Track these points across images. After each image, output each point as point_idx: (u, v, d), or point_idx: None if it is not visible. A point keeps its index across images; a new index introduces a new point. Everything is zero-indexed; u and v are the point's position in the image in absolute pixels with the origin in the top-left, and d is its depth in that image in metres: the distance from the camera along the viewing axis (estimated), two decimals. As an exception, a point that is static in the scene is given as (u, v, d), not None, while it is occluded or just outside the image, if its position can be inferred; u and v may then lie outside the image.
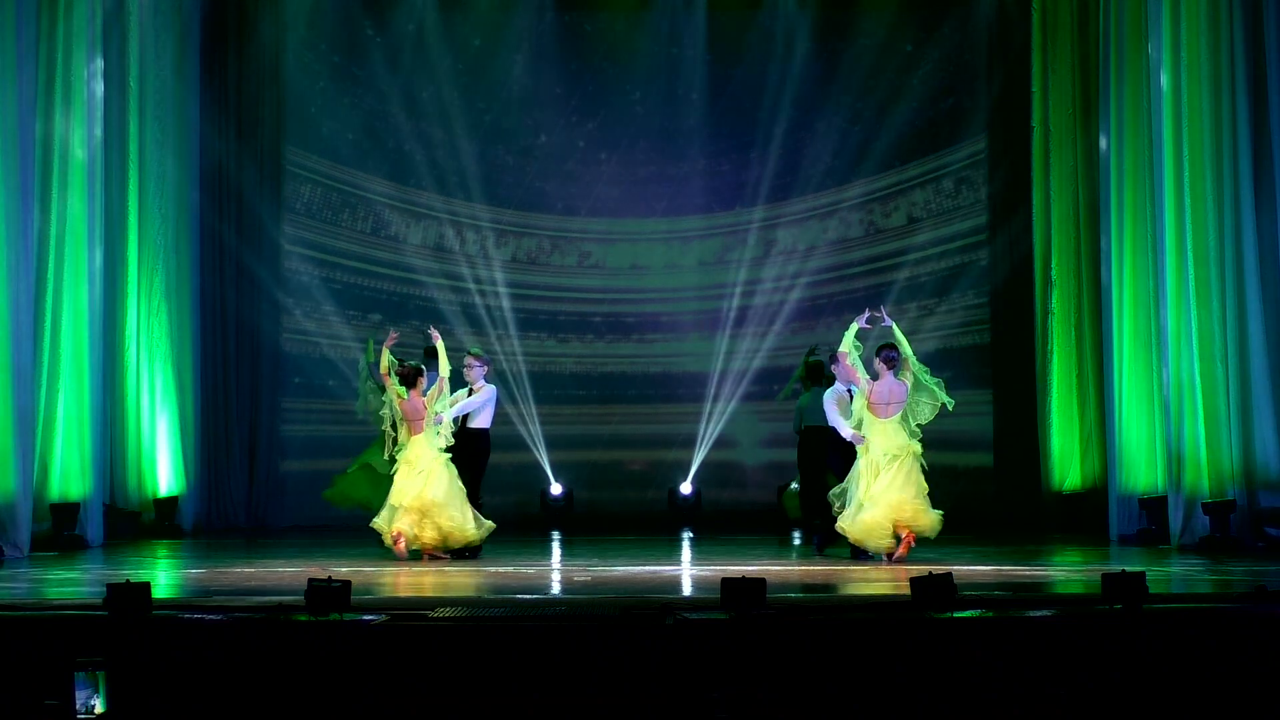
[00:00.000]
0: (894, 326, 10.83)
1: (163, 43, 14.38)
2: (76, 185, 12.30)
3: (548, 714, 6.59)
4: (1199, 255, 11.64)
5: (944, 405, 10.75)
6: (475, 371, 11.58)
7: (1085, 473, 14.30)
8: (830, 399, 11.25)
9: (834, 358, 11.33)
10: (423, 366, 11.31)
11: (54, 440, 12.17)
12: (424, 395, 11.12)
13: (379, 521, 11.15)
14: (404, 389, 11.15)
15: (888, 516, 10.56)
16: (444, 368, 11.14)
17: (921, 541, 10.69)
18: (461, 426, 11.43)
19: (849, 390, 11.07)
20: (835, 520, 10.83)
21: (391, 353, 11.27)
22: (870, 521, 10.56)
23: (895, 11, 16.09)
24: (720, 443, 15.91)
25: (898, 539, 10.60)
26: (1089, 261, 14.12)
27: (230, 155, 15.49)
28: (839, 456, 11.26)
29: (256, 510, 15.49)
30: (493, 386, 11.74)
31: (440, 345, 11.25)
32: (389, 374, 11.21)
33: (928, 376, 10.78)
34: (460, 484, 11.11)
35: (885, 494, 10.55)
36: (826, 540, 11.38)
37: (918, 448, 10.69)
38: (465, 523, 11.03)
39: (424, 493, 10.96)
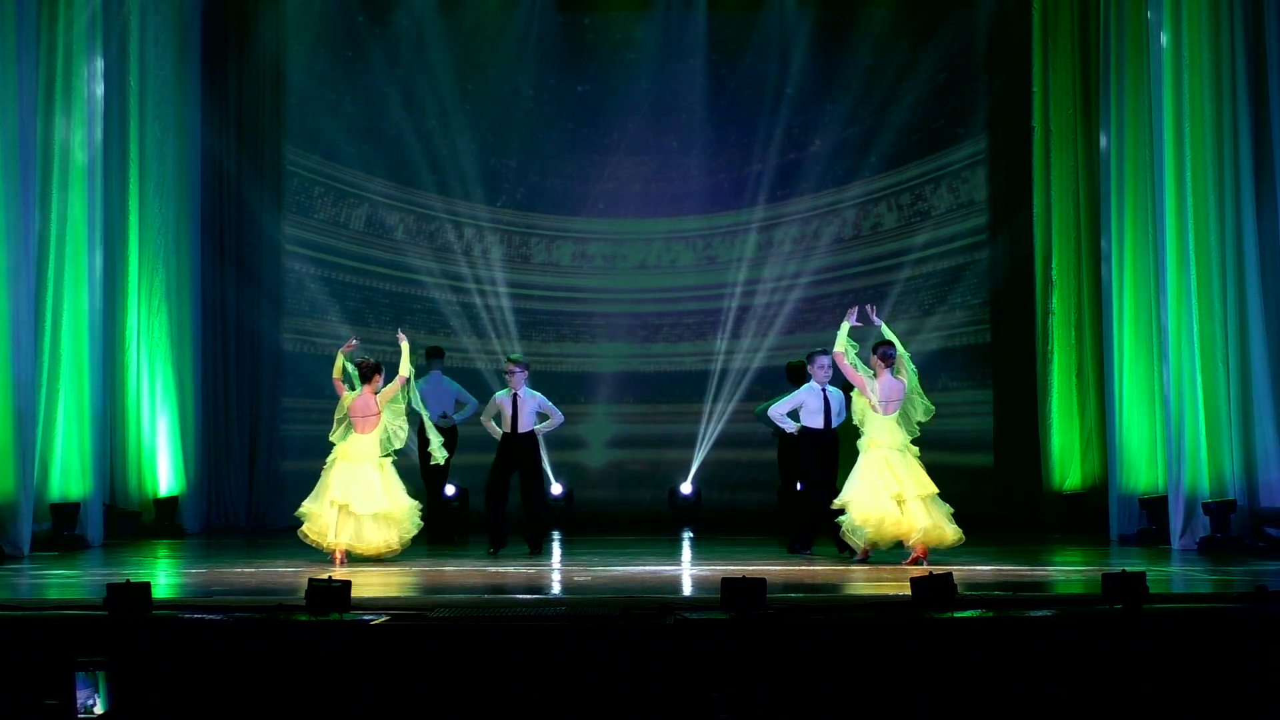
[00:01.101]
0: (884, 326, 10.84)
1: (163, 43, 14.38)
2: (77, 185, 12.29)
3: (548, 714, 6.59)
4: (1200, 255, 11.64)
5: (932, 408, 10.80)
6: (516, 377, 11.68)
7: (1085, 472, 14.30)
8: (793, 397, 11.30)
9: (809, 358, 11.35)
10: (380, 364, 11.27)
11: (54, 440, 12.17)
12: (377, 394, 11.07)
13: (309, 509, 11.05)
14: (359, 383, 11.11)
15: (908, 527, 10.44)
16: (404, 368, 11.15)
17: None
18: (513, 430, 11.74)
19: (823, 390, 11.20)
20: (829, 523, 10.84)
21: (351, 357, 11.25)
22: (892, 523, 10.47)
23: (895, 12, 16.08)
24: (720, 443, 15.90)
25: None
26: (1089, 261, 14.12)
27: (230, 155, 15.48)
28: (814, 455, 11.26)
29: (257, 510, 15.48)
30: (534, 394, 11.94)
31: (405, 347, 11.26)
32: (340, 378, 11.17)
33: (916, 378, 10.78)
34: (404, 493, 11.15)
35: (915, 507, 10.46)
36: (806, 539, 11.39)
37: (915, 449, 10.73)
38: (401, 536, 11.04)
39: (383, 503, 10.94)
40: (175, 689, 6.62)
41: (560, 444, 15.93)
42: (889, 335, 10.76)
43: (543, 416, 11.97)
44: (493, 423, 11.90)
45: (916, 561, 10.39)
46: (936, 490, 10.62)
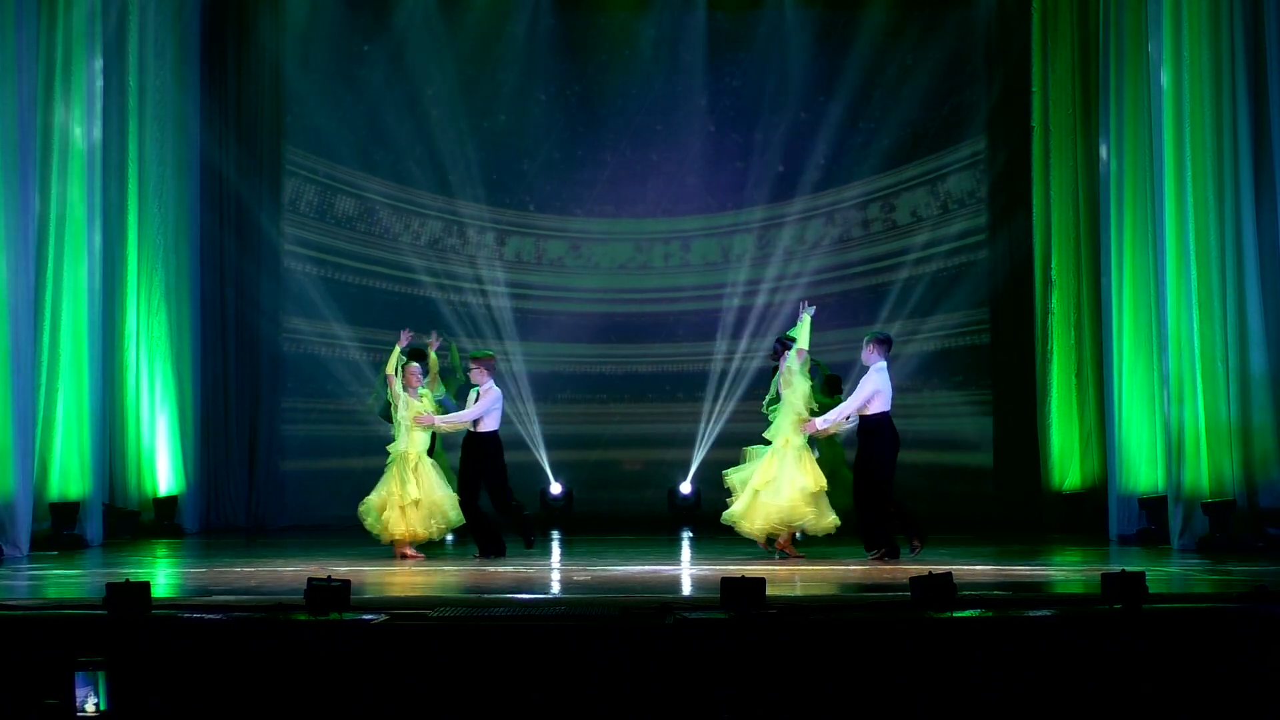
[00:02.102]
0: (803, 318, 11.01)
1: (163, 42, 14.38)
2: (76, 185, 12.30)
3: (548, 714, 6.59)
4: (1199, 254, 11.64)
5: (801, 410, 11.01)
6: (475, 375, 11.59)
7: (1085, 472, 14.30)
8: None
9: (866, 342, 11.22)
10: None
11: (54, 439, 12.18)
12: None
13: (386, 519, 11.23)
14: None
15: (767, 513, 10.83)
16: (389, 365, 11.35)
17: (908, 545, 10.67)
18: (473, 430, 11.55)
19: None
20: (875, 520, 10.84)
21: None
22: (753, 510, 10.89)
23: (895, 11, 16.06)
24: (720, 443, 15.87)
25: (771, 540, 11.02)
26: (1089, 261, 14.12)
27: (230, 155, 15.48)
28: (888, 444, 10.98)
29: (256, 510, 15.48)
30: (494, 390, 11.61)
31: (396, 349, 11.42)
32: (395, 374, 11.29)
33: (798, 375, 10.90)
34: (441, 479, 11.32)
35: (773, 489, 10.84)
36: (881, 541, 10.89)
37: (797, 440, 10.86)
38: (446, 516, 11.24)
39: (431, 491, 11.17)
40: (175, 689, 6.61)
41: (560, 444, 15.94)
42: (801, 328, 10.94)
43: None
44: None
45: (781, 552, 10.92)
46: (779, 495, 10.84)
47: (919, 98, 16.01)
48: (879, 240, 16.26)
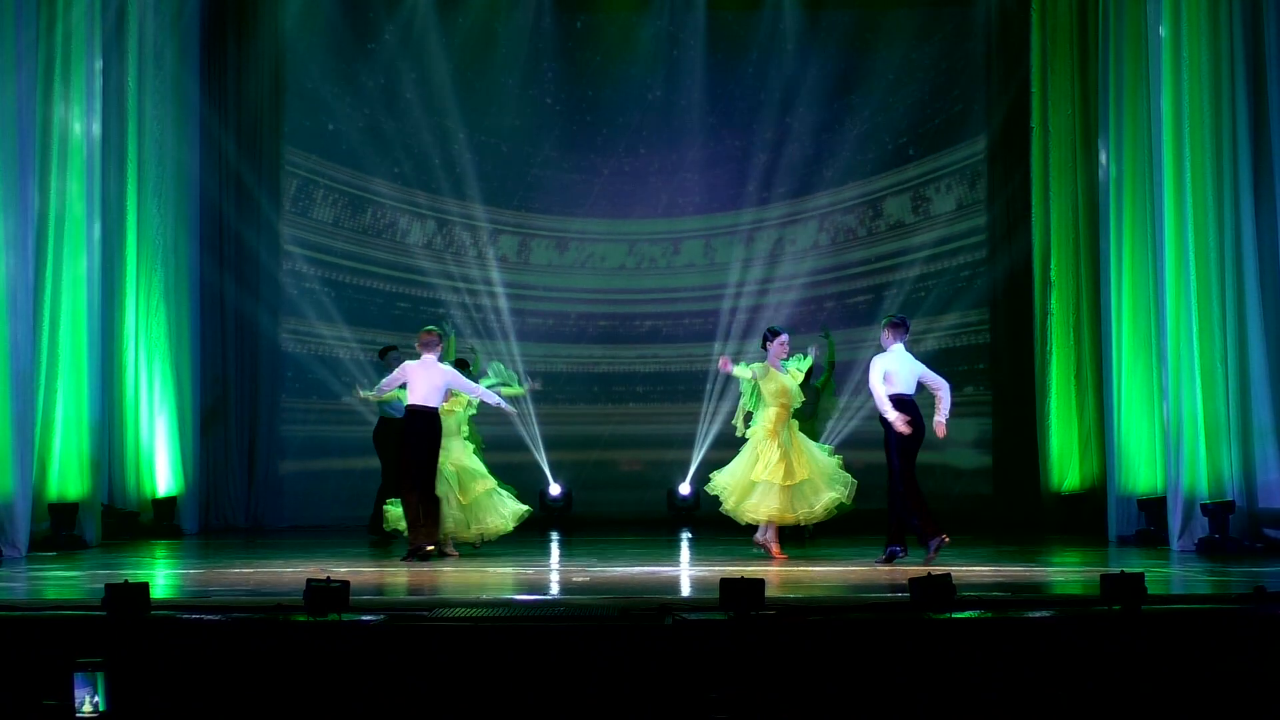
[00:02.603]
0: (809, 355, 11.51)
1: (163, 42, 14.39)
2: (76, 184, 12.29)
3: (547, 714, 6.59)
4: (1199, 255, 11.64)
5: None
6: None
7: (1084, 473, 14.30)
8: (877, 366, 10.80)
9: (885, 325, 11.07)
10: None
11: (52, 440, 12.17)
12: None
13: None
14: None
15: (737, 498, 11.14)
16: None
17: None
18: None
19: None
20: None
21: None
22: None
23: (895, 11, 16.08)
24: (719, 443, 15.86)
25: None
26: (1088, 262, 14.13)
27: (230, 155, 15.49)
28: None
29: (255, 510, 15.48)
30: (406, 363, 11.24)
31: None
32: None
33: (770, 372, 11.21)
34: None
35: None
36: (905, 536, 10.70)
37: (757, 434, 11.19)
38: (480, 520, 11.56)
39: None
40: (174, 689, 6.62)
41: (559, 444, 15.93)
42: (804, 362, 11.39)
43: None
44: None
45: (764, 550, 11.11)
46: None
47: (918, 98, 16.04)
48: (878, 241, 16.27)
